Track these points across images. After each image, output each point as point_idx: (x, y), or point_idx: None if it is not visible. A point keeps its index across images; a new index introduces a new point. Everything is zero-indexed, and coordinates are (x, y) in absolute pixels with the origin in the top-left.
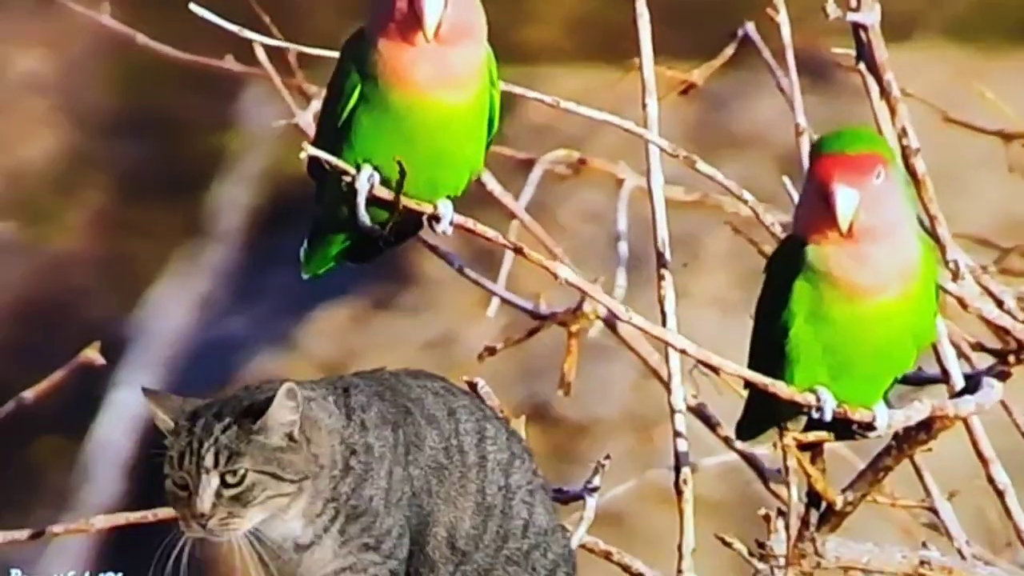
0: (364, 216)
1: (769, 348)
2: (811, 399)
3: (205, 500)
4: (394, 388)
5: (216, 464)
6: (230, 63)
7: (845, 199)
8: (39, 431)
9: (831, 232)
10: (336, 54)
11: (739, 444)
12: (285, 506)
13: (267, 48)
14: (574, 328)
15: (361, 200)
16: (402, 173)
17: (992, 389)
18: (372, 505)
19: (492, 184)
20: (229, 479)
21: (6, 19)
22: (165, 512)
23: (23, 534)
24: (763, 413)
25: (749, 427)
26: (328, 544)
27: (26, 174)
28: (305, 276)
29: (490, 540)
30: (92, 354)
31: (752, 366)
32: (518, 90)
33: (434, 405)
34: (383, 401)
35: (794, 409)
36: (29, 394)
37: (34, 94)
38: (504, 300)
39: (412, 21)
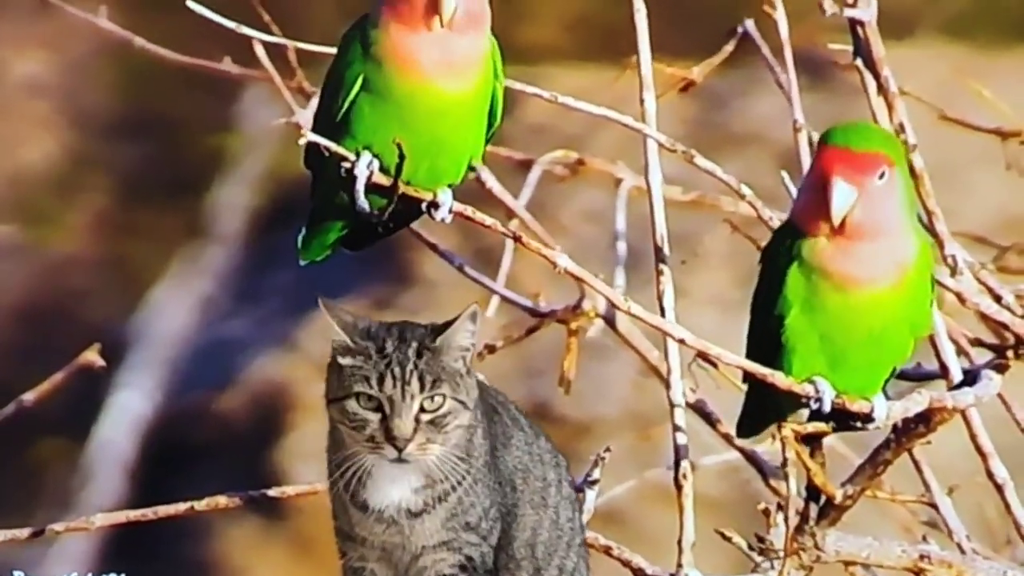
0: (363, 202)
1: (766, 338)
2: (809, 389)
3: (407, 423)
4: (481, 385)
5: (422, 389)
6: (228, 65)
7: (841, 194)
8: (40, 433)
9: (824, 224)
10: (335, 51)
11: (739, 441)
12: (462, 440)
13: (266, 47)
14: (574, 326)
15: (360, 186)
16: (401, 156)
17: (990, 382)
18: (478, 485)
19: (491, 182)
20: (427, 404)
21: (4, 22)
22: (165, 510)
23: (24, 532)
24: (763, 408)
25: (749, 424)
26: (439, 514)
27: (26, 177)
28: (302, 263)
29: (555, 569)
30: (92, 356)
31: (750, 359)
32: (517, 86)
33: (516, 412)
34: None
35: (794, 403)
36: (30, 396)
37: (33, 97)
38: (504, 298)
39: (429, 6)
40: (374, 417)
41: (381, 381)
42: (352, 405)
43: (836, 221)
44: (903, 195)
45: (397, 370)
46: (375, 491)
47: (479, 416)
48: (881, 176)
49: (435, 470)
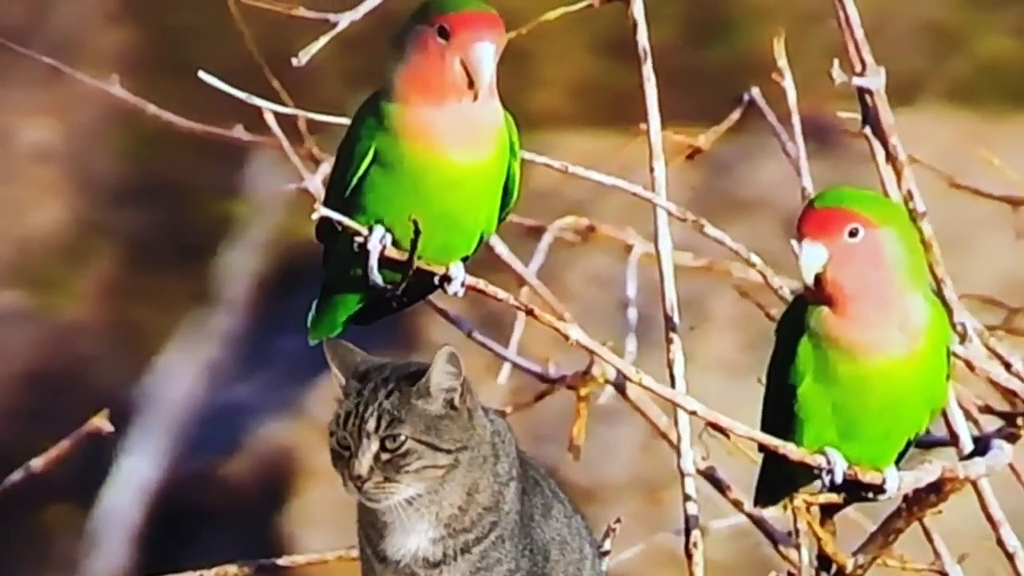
0: (376, 276)
1: (780, 409)
2: (821, 460)
3: (363, 463)
4: (524, 457)
5: (377, 428)
6: (239, 132)
7: (805, 253)
8: (48, 499)
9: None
10: (346, 121)
11: (748, 507)
12: (439, 479)
13: (276, 115)
14: (583, 392)
15: (373, 261)
16: (416, 232)
17: (1002, 451)
18: (506, 543)
19: (500, 248)
20: (388, 444)
21: (16, 89)
22: None
23: None
24: (780, 476)
25: (767, 491)
26: (461, 567)
27: (34, 242)
28: (312, 342)
29: None
30: (100, 422)
31: (765, 428)
32: (526, 155)
33: (556, 487)
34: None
35: (807, 472)
36: (38, 462)
37: (43, 163)
38: (513, 364)
39: (459, 79)
40: (344, 455)
41: (346, 420)
42: (331, 442)
43: (807, 280)
44: (897, 258)
45: (361, 409)
46: (391, 540)
47: (512, 472)
48: (853, 234)
49: (458, 519)
